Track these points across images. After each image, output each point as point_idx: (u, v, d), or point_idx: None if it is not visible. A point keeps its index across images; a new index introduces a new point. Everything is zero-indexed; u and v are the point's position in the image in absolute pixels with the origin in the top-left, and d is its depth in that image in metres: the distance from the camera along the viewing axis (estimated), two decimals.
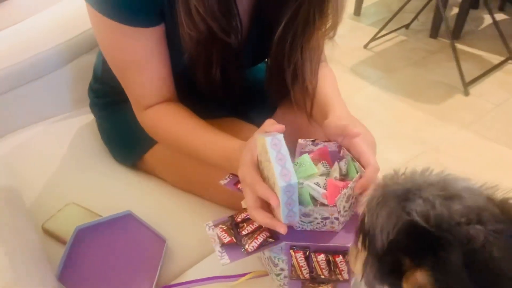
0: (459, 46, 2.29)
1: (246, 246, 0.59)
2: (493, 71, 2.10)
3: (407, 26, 2.49)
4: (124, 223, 0.79)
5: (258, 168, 0.61)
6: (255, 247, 0.59)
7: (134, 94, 0.79)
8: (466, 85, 1.96)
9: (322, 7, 0.73)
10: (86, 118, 1.07)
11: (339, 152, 0.69)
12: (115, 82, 0.80)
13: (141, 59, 0.74)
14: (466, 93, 1.96)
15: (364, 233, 0.48)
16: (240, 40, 0.77)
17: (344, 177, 0.66)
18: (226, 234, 0.61)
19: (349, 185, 0.59)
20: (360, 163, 0.63)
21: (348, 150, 0.66)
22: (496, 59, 2.17)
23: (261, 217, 0.58)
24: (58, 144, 1.00)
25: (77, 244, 0.76)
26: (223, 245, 0.60)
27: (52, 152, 0.98)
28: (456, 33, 2.34)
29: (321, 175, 0.66)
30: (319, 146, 0.69)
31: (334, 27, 0.76)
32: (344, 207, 0.60)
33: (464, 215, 0.40)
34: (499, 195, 0.43)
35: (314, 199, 0.61)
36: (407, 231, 0.42)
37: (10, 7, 1.21)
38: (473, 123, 1.80)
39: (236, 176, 0.69)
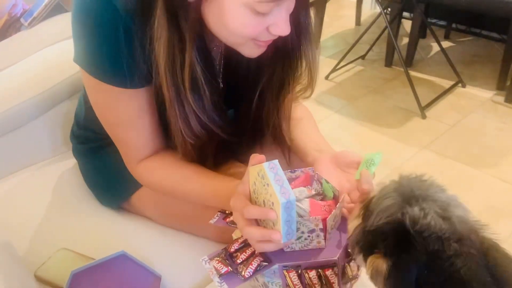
0: (412, 73, 2.46)
1: (243, 273, 0.64)
2: (445, 94, 2.26)
3: (363, 57, 2.65)
4: (119, 264, 0.82)
5: (249, 198, 0.67)
6: (251, 272, 0.64)
7: (126, 149, 0.82)
8: (423, 108, 2.10)
9: (294, 71, 0.80)
10: (68, 163, 1.09)
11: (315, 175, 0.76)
12: (98, 128, 0.83)
13: (133, 116, 0.77)
14: (423, 116, 2.10)
15: (367, 207, 0.57)
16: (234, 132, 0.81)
17: (322, 197, 0.74)
18: (222, 265, 0.66)
19: (338, 205, 0.66)
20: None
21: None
22: (446, 83, 2.34)
23: (255, 231, 0.63)
24: (42, 191, 1.02)
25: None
26: (221, 275, 0.65)
27: (37, 199, 1.00)
28: (408, 61, 2.51)
29: (305, 198, 0.73)
30: (297, 173, 0.76)
31: (310, 86, 0.82)
32: (331, 226, 0.67)
33: (446, 233, 0.49)
34: (486, 233, 0.52)
35: (301, 217, 0.67)
36: (393, 226, 0.51)
37: None
38: (432, 143, 1.93)
39: (223, 212, 0.75)
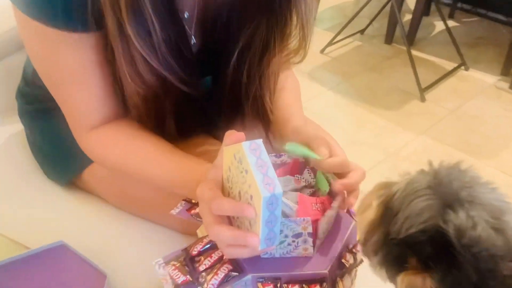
0: (412, 52, 2.30)
1: (205, 285, 0.49)
2: (446, 77, 2.11)
3: (362, 32, 2.48)
4: (56, 256, 0.66)
5: (222, 187, 0.51)
6: (216, 285, 0.49)
7: (72, 114, 0.66)
8: (423, 91, 1.96)
9: (282, 28, 0.63)
10: (14, 128, 0.92)
11: (306, 163, 0.61)
12: None
13: (78, 71, 0.61)
14: (423, 99, 1.95)
15: (388, 205, 0.43)
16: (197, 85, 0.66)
17: (314, 190, 0.58)
18: (179, 273, 0.51)
19: (333, 204, 0.51)
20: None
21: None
22: (449, 65, 2.19)
23: (225, 232, 0.47)
24: None
25: None
26: (177, 286, 0.50)
27: None
28: (410, 40, 2.35)
29: (292, 190, 0.57)
30: (283, 158, 0.61)
31: (302, 49, 0.66)
32: (324, 231, 0.52)
33: (501, 251, 0.37)
34: None
35: (285, 216, 0.52)
36: (432, 236, 0.38)
37: None
38: (430, 129, 1.80)
39: (188, 202, 0.59)
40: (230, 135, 0.51)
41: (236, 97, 0.70)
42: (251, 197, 0.45)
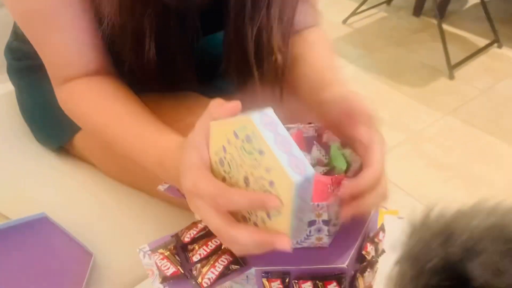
0: (443, 26, 2.15)
1: (200, 279, 0.41)
2: (478, 54, 1.97)
3: (388, 2, 2.33)
4: (38, 229, 0.59)
5: (213, 174, 0.41)
6: (212, 280, 0.41)
7: (50, 62, 0.59)
8: (452, 68, 1.82)
9: None
10: (3, 87, 0.84)
11: (319, 137, 0.52)
12: None
13: (49, 8, 0.52)
14: (451, 77, 1.82)
15: (447, 229, 0.32)
16: None
17: (328, 169, 0.49)
18: (169, 263, 0.43)
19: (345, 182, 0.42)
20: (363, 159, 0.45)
21: (348, 139, 0.48)
22: (481, 42, 2.04)
23: (246, 237, 0.37)
24: None
25: None
26: (165, 278, 0.42)
27: None
28: (440, 13, 2.19)
29: None
30: (291, 131, 0.51)
31: None
32: (336, 212, 0.43)
33: None
34: None
35: None
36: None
37: None
38: (459, 109, 1.67)
39: None
40: (219, 105, 0.40)
41: (237, 29, 0.58)
42: (271, 183, 0.36)
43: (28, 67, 0.75)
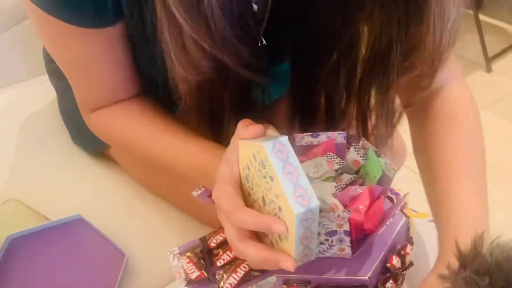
0: (480, 16, 2.07)
1: (222, 284, 0.42)
2: None
3: None
4: (74, 230, 0.62)
5: (241, 188, 0.42)
6: (233, 285, 0.42)
7: (80, 95, 0.60)
8: (489, 60, 1.76)
9: (411, 37, 0.44)
10: (46, 88, 0.87)
11: (348, 144, 0.51)
12: None
13: (88, 63, 0.53)
14: (488, 69, 1.76)
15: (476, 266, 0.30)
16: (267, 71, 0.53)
17: (356, 177, 0.49)
18: (194, 267, 0.44)
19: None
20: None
21: None
22: None
23: (253, 253, 0.38)
24: (7, 122, 0.82)
25: (10, 258, 0.59)
26: (190, 281, 0.43)
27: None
28: (477, 2, 2.12)
29: (326, 178, 0.48)
30: (320, 138, 0.51)
31: (433, 70, 0.47)
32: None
33: None
34: None
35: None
36: None
37: None
38: (496, 103, 1.62)
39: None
40: (247, 126, 0.41)
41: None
42: (280, 208, 0.37)
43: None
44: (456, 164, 0.51)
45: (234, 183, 0.41)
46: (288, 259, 0.37)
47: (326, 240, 0.43)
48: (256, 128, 0.40)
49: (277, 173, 0.35)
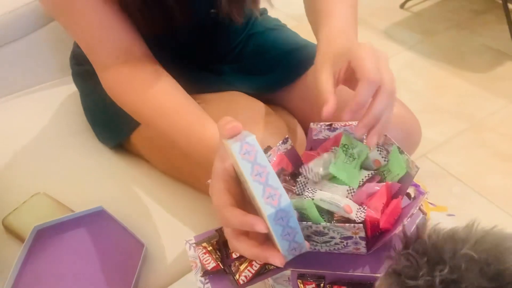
0: (510, 6, 2.00)
1: (237, 276, 0.43)
2: None
3: None
4: (96, 221, 0.64)
5: (236, 182, 0.42)
6: (248, 278, 0.43)
7: (88, 48, 0.62)
8: None
9: None
10: (70, 89, 0.91)
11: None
12: None
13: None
14: None
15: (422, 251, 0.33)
16: None
17: (375, 173, 0.48)
18: (210, 258, 0.45)
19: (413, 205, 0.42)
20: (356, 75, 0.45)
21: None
22: None
23: (245, 247, 0.40)
24: (35, 119, 0.86)
25: (36, 247, 0.62)
26: (206, 272, 0.44)
27: (27, 128, 0.84)
28: None
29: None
30: (337, 132, 0.51)
31: None
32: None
33: None
34: None
35: (329, 213, 0.44)
36: None
37: None
38: None
39: None
40: (225, 124, 0.40)
41: None
42: (259, 208, 0.37)
43: (87, 72, 0.80)
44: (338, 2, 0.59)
45: (228, 178, 0.41)
46: (276, 256, 0.37)
47: (341, 241, 0.42)
48: (233, 127, 0.39)
49: (246, 176, 0.35)
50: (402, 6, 2.09)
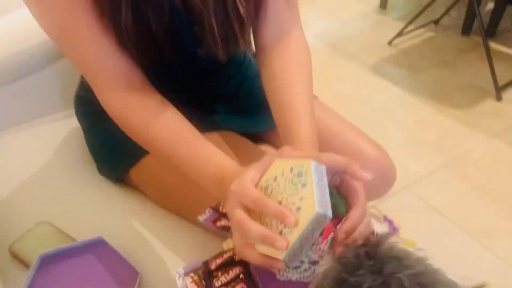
0: (493, 45, 2.11)
1: None
2: None
3: (436, 22, 2.32)
4: (96, 250, 0.70)
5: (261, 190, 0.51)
6: None
7: (90, 73, 0.67)
8: (499, 89, 1.80)
9: None
10: (75, 123, 0.98)
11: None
12: None
13: (72, 24, 0.61)
14: (498, 98, 1.79)
15: None
16: None
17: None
18: (196, 286, 0.51)
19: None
20: (347, 199, 0.52)
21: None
22: None
23: (253, 256, 0.48)
24: (41, 150, 0.93)
25: (40, 273, 0.68)
26: None
27: (32, 159, 0.90)
28: (491, 31, 2.16)
29: None
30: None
31: None
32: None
33: None
34: None
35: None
36: None
37: None
38: (505, 132, 1.65)
39: (216, 211, 0.59)
40: (290, 152, 0.53)
41: None
42: (298, 208, 0.45)
43: (91, 111, 0.88)
44: (296, 97, 0.67)
45: (254, 185, 0.51)
46: (283, 241, 0.45)
47: (310, 267, 0.49)
48: (299, 153, 0.52)
49: (314, 184, 0.45)
50: (390, 42, 2.20)
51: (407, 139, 1.65)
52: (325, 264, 0.40)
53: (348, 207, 0.52)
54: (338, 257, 0.39)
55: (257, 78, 0.91)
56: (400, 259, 0.38)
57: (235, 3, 0.63)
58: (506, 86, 1.84)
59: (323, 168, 0.48)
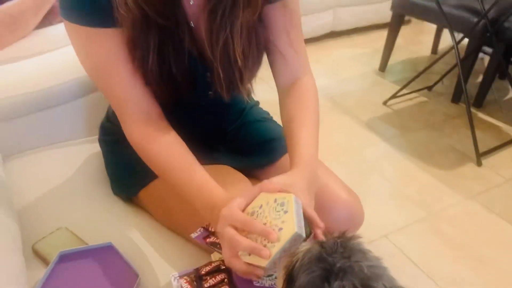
0: (480, 114, 2.29)
1: None
2: (509, 145, 2.08)
3: (430, 88, 2.51)
4: (104, 254, 0.84)
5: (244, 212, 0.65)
6: None
7: (118, 105, 0.81)
8: (480, 155, 1.95)
9: None
10: (94, 147, 1.13)
11: None
12: None
13: (107, 61, 0.76)
14: (479, 163, 1.94)
15: (290, 273, 0.55)
16: (185, 26, 0.76)
17: None
18: (189, 286, 0.65)
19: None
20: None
21: None
22: None
23: (240, 265, 0.62)
24: (65, 168, 1.08)
25: (58, 269, 0.81)
26: None
27: (57, 175, 1.05)
28: (478, 101, 2.34)
29: None
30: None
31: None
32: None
33: None
34: None
35: None
36: None
37: (44, 35, 1.32)
38: (481, 195, 1.79)
39: (206, 230, 0.73)
40: (272, 185, 0.66)
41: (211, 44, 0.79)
42: (280, 229, 0.60)
43: (112, 140, 1.04)
44: (304, 127, 0.83)
45: (238, 208, 0.65)
46: (266, 251, 0.58)
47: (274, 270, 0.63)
48: (279, 187, 0.66)
49: (293, 212, 0.59)
50: (385, 103, 2.38)
51: (391, 192, 1.79)
52: (306, 245, 0.54)
53: (311, 230, 0.66)
54: (320, 242, 0.53)
55: (256, 123, 1.07)
56: (364, 252, 0.53)
57: (235, 57, 0.80)
58: (487, 153, 2.00)
59: (300, 201, 0.62)
